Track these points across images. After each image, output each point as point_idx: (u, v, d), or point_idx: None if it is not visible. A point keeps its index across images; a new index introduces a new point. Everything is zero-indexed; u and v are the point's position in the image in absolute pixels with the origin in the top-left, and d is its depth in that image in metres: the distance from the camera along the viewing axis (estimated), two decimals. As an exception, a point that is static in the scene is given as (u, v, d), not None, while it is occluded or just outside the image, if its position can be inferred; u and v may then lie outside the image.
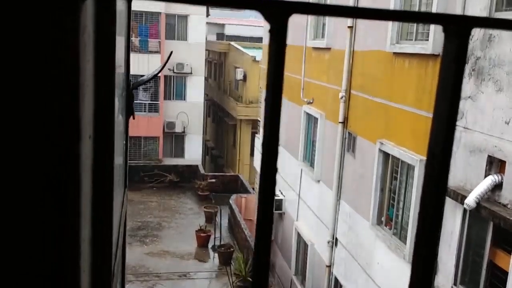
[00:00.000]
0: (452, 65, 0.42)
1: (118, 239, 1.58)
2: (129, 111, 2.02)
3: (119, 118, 1.64)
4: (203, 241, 17.22)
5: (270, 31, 0.40)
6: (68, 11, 0.54)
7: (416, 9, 8.17)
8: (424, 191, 0.47)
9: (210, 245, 17.25)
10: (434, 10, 7.39)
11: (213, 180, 22.64)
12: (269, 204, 0.42)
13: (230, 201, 19.13)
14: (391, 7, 8.58)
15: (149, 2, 23.48)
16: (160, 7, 24.52)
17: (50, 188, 0.56)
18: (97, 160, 0.92)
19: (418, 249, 0.47)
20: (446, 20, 0.42)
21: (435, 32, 7.38)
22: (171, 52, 3.07)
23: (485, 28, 0.45)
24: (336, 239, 10.95)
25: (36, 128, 0.55)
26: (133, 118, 2.07)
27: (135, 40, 23.94)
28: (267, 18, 0.40)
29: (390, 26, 8.63)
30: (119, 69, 1.66)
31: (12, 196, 0.55)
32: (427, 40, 7.70)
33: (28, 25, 0.54)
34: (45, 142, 0.55)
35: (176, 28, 25.63)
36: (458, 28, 0.42)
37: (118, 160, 1.62)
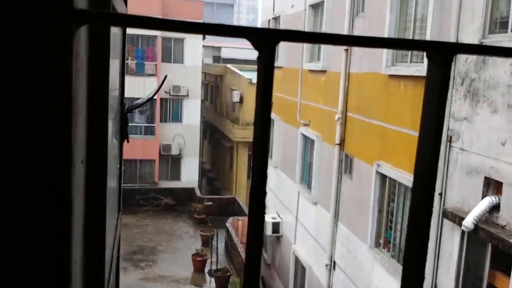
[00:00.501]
0: (436, 90, 0.43)
1: (111, 263, 1.55)
2: (123, 135, 2.01)
3: (113, 141, 1.63)
4: (199, 266, 17.01)
5: (258, 58, 0.41)
6: (61, 39, 0.55)
7: (411, 32, 8.27)
8: (412, 207, 0.47)
9: (206, 270, 17.04)
10: (428, 32, 7.48)
11: (210, 203, 22.51)
12: (259, 223, 0.43)
13: (227, 224, 18.98)
14: (386, 30, 8.69)
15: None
16: (157, 31, 24.75)
17: (49, 190, 0.57)
18: (90, 185, 0.92)
19: (407, 263, 0.48)
20: (430, 47, 0.44)
21: (430, 54, 7.45)
22: (165, 76, 3.09)
23: (468, 54, 0.47)
24: (334, 262, 10.84)
25: (36, 129, 0.55)
26: (127, 142, 2.05)
27: (131, 63, 24.09)
28: (255, 45, 0.41)
29: (385, 49, 8.72)
30: (114, 92, 1.65)
31: (12, 196, 0.55)
32: (422, 62, 7.78)
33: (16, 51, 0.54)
34: (44, 143, 0.55)
35: (172, 51, 25.84)
36: (441, 55, 0.43)
37: (112, 183, 1.60)
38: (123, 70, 2.24)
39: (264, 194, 0.43)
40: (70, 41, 0.55)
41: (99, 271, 1.15)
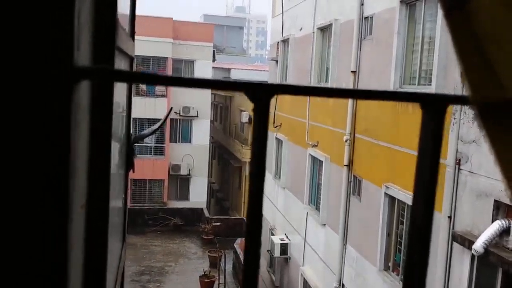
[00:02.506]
0: (430, 139, 0.45)
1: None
2: (129, 165, 2.03)
3: (118, 173, 1.65)
4: (207, 287, 16.87)
5: (254, 110, 0.44)
6: (59, 94, 0.55)
7: (418, 54, 8.31)
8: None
9: (214, 291, 16.90)
10: (436, 55, 7.52)
11: (218, 224, 22.43)
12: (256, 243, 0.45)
13: (235, 245, 18.87)
14: (394, 53, 8.74)
15: (156, 45, 24.02)
16: (167, 52, 25.06)
17: (49, 189, 0.56)
18: (90, 231, 0.91)
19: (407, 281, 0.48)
20: (424, 99, 0.46)
21: (438, 77, 7.48)
22: (171, 108, 3.17)
23: (461, 105, 0.49)
24: (343, 285, 10.72)
25: (35, 129, 0.55)
26: (133, 172, 2.08)
27: (142, 85, 24.35)
28: (250, 98, 0.44)
29: (393, 70, 8.77)
30: (119, 122, 1.65)
31: (12, 196, 0.55)
32: (430, 84, 7.79)
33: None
34: (44, 142, 0.55)
35: (182, 73, 26.09)
36: (435, 105, 0.46)
37: (115, 216, 1.61)
38: (130, 95, 2.24)
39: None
40: (69, 96, 0.55)
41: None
